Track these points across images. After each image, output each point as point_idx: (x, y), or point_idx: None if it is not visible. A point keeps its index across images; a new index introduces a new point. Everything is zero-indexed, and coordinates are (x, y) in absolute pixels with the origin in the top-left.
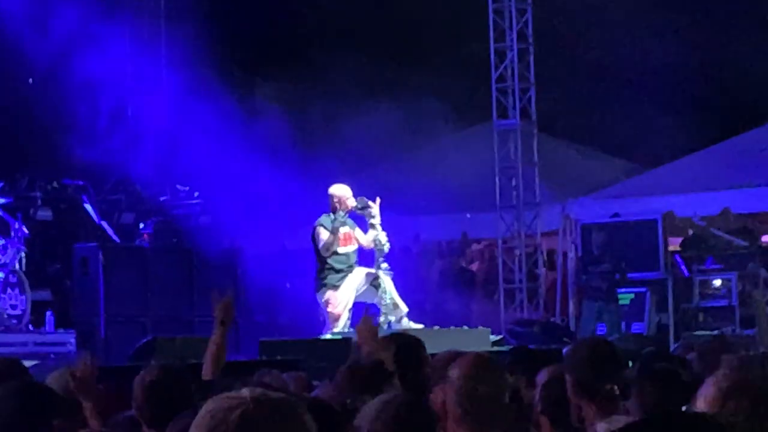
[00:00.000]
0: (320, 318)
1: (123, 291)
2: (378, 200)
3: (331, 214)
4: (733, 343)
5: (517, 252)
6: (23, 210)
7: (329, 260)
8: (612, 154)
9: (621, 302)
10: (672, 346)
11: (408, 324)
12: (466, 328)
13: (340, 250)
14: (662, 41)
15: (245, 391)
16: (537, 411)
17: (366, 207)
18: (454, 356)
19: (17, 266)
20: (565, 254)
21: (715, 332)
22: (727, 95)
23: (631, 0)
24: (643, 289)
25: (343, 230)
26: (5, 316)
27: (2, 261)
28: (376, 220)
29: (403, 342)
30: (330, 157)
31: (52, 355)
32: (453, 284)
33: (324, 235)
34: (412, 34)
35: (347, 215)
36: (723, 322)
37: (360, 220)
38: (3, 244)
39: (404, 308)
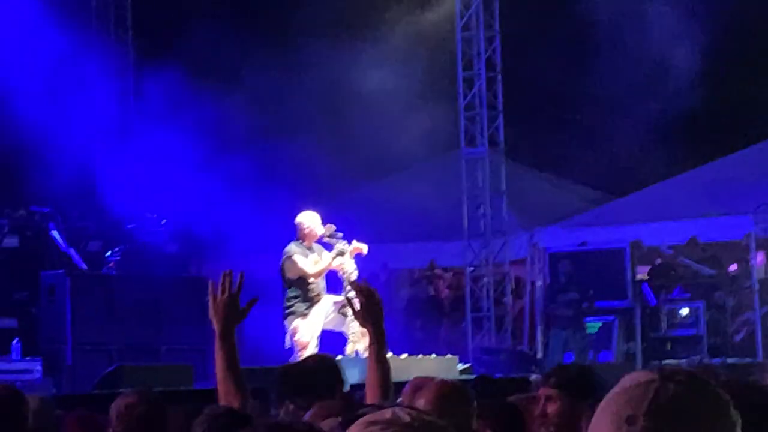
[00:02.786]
0: (287, 346)
1: (90, 319)
2: (356, 246)
3: (300, 241)
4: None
5: (485, 280)
6: None
7: (297, 289)
8: (580, 182)
9: (588, 331)
10: None
11: None
12: (434, 356)
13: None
14: (631, 70)
15: (405, 414)
16: None
17: (334, 235)
18: (423, 384)
19: None
20: (532, 283)
21: (683, 361)
22: (695, 124)
23: (599, 30)
24: (610, 318)
25: (312, 257)
26: None
27: None
28: (346, 249)
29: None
30: (298, 184)
31: (18, 383)
32: (421, 312)
33: (302, 262)
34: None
35: (315, 242)
36: (691, 351)
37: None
38: None
39: None
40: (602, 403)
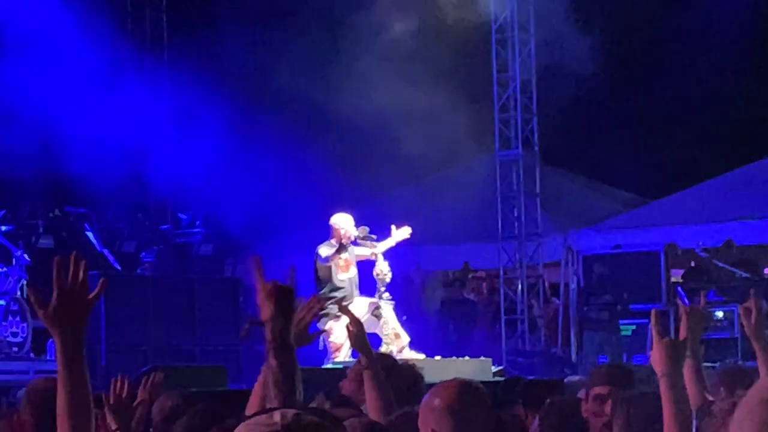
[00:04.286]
0: (321, 347)
1: (124, 319)
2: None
3: (332, 242)
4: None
5: (519, 283)
6: (25, 238)
7: (330, 290)
8: (614, 185)
9: (622, 333)
10: None
11: (409, 354)
12: (467, 358)
13: (340, 276)
14: (665, 73)
15: (277, 415)
16: None
17: (368, 237)
18: (440, 385)
19: (18, 294)
20: (566, 285)
21: (717, 364)
22: (730, 127)
23: (635, 31)
24: (644, 321)
25: (344, 256)
26: (6, 343)
27: (4, 288)
28: (378, 250)
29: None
30: (332, 187)
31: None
32: (454, 314)
33: (324, 252)
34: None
35: (349, 243)
36: (725, 354)
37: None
38: (4, 272)
39: (406, 338)
40: (742, 413)
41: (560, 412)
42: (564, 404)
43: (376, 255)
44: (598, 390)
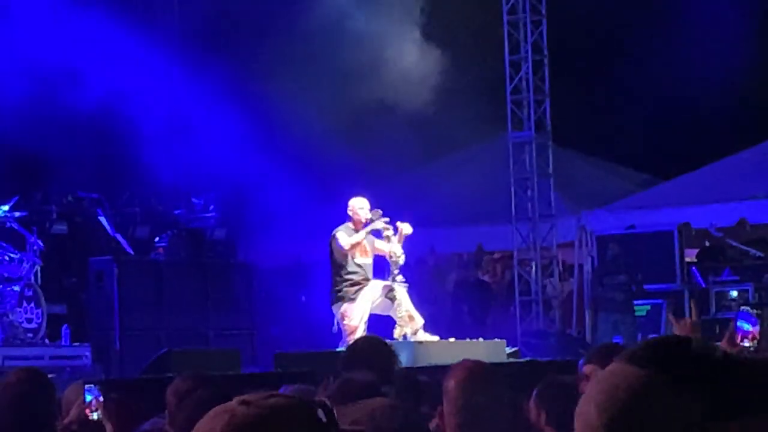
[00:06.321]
0: (335, 330)
1: (138, 304)
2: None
3: (350, 225)
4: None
5: (533, 264)
6: (39, 224)
7: (345, 273)
8: (628, 165)
9: (637, 314)
10: None
11: (423, 336)
12: (481, 340)
13: (359, 260)
14: (677, 52)
15: (242, 397)
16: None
17: (380, 219)
18: (455, 366)
19: (33, 280)
20: (581, 266)
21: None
22: (744, 105)
23: (645, 10)
24: (659, 301)
25: (363, 241)
26: (21, 329)
27: (18, 275)
28: (391, 233)
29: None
30: (347, 170)
31: (67, 369)
32: (468, 296)
33: (344, 239)
34: None
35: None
36: None
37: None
38: (19, 258)
39: (420, 320)
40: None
41: (557, 388)
42: (559, 381)
43: (390, 240)
44: (585, 369)
